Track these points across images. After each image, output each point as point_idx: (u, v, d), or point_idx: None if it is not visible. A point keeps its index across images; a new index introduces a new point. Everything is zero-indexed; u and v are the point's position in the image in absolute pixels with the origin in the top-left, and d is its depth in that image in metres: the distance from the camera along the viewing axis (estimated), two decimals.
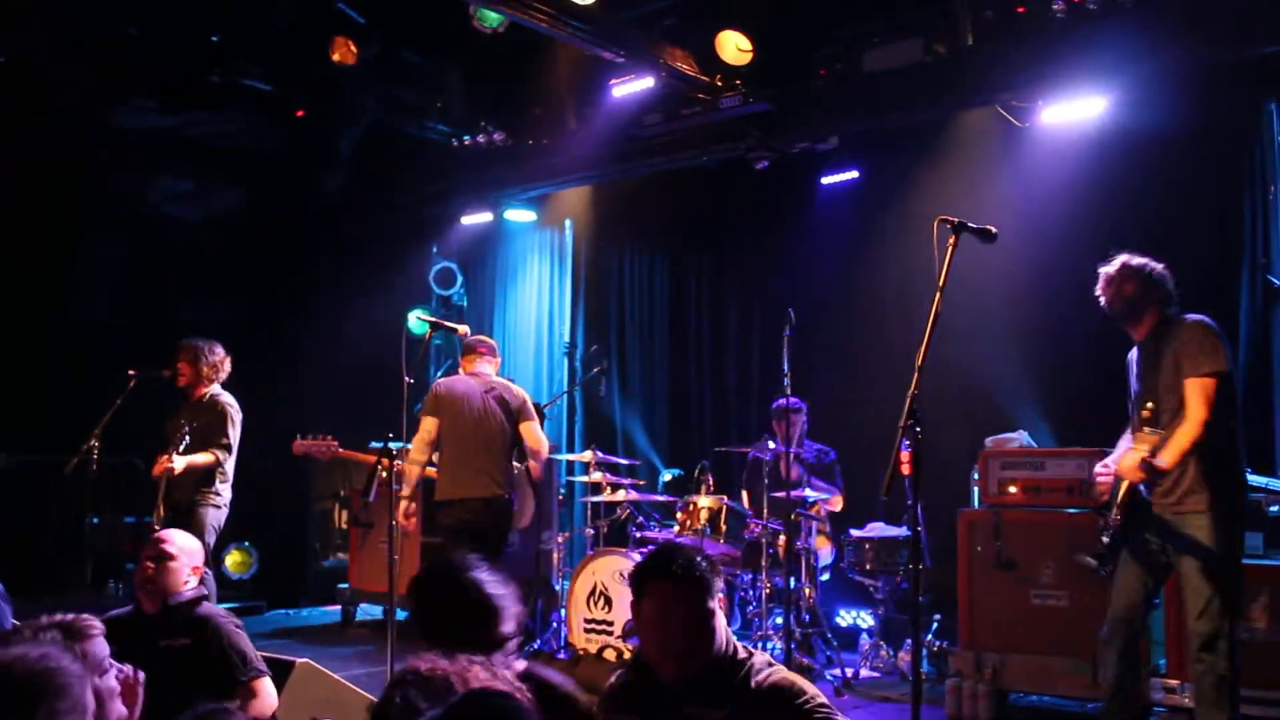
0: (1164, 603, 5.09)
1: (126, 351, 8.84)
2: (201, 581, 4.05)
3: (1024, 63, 6.43)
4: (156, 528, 6.37)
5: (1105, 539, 4.46)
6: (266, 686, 3.85)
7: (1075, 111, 6.52)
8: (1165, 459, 4.17)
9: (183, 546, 3.97)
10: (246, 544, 9.24)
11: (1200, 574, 4.20)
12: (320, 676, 4.13)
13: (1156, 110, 6.50)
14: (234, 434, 6.69)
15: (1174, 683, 5.21)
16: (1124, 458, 4.35)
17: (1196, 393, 4.22)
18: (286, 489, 9.74)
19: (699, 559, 2.75)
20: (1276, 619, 5.13)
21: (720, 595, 2.75)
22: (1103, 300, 4.56)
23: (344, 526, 10.17)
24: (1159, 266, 4.51)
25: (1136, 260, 4.51)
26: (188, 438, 6.38)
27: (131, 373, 6.67)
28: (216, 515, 6.58)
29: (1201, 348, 4.27)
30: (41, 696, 1.79)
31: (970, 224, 3.90)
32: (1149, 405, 4.34)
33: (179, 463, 6.30)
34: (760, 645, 6.50)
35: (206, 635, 3.81)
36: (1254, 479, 5.64)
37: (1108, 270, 4.54)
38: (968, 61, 6.52)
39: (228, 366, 6.90)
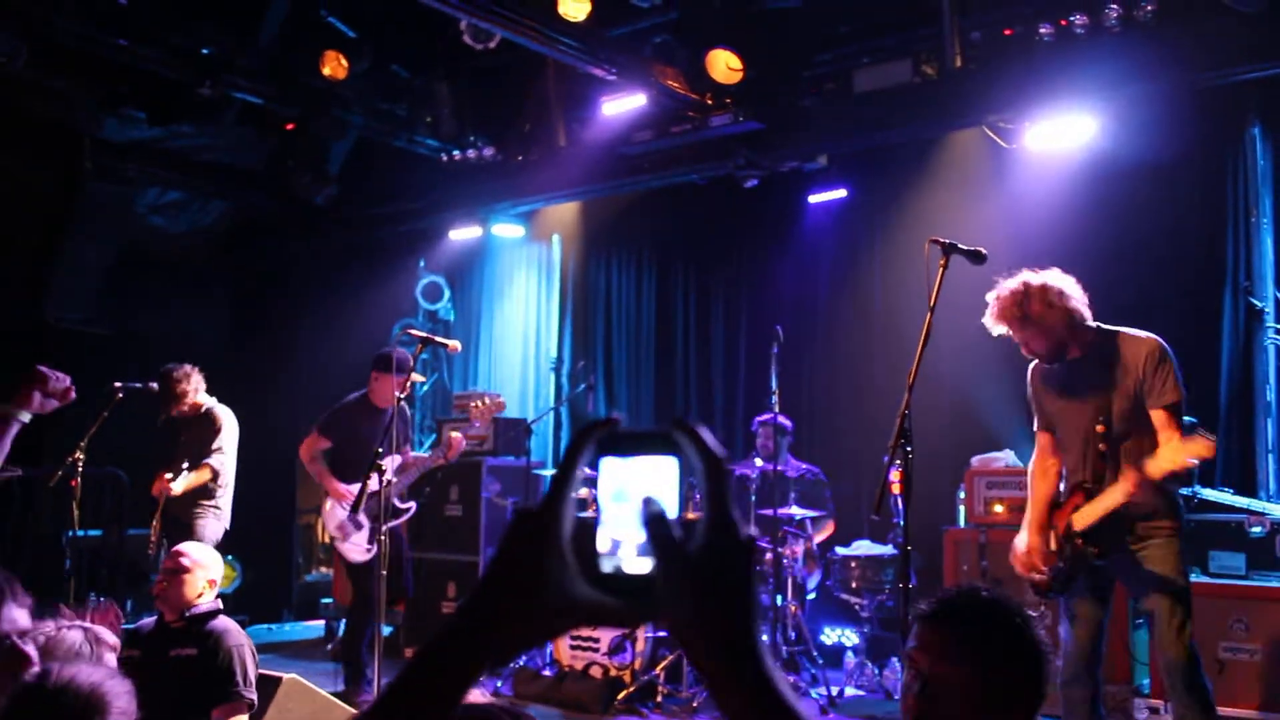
0: (1147, 622, 5.11)
1: (111, 362, 8.82)
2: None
3: (1011, 84, 6.49)
4: (152, 541, 6.40)
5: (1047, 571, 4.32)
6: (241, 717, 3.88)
7: (1062, 133, 6.58)
8: (1155, 466, 3.95)
9: (198, 559, 4.09)
10: (229, 557, 9.17)
11: (1172, 597, 4.09)
12: (307, 692, 4.12)
13: (1142, 133, 6.57)
14: (227, 442, 6.73)
15: (1157, 703, 5.25)
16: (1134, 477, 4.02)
17: (1175, 421, 4.07)
18: (270, 502, 9.69)
19: (999, 609, 2.05)
20: (1257, 639, 5.17)
21: (1013, 673, 2.01)
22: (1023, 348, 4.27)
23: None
24: (1047, 286, 4.16)
25: (1028, 304, 4.13)
26: (186, 461, 6.46)
27: (117, 386, 6.66)
28: (215, 527, 6.62)
29: (1170, 372, 4.11)
30: (96, 712, 1.97)
31: (960, 245, 3.93)
32: (1100, 428, 4.17)
33: (178, 485, 6.38)
34: None
35: (211, 647, 3.89)
36: (1236, 500, 5.71)
37: (1014, 332, 4.21)
38: (955, 83, 6.58)
39: (197, 374, 6.94)
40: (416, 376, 6.54)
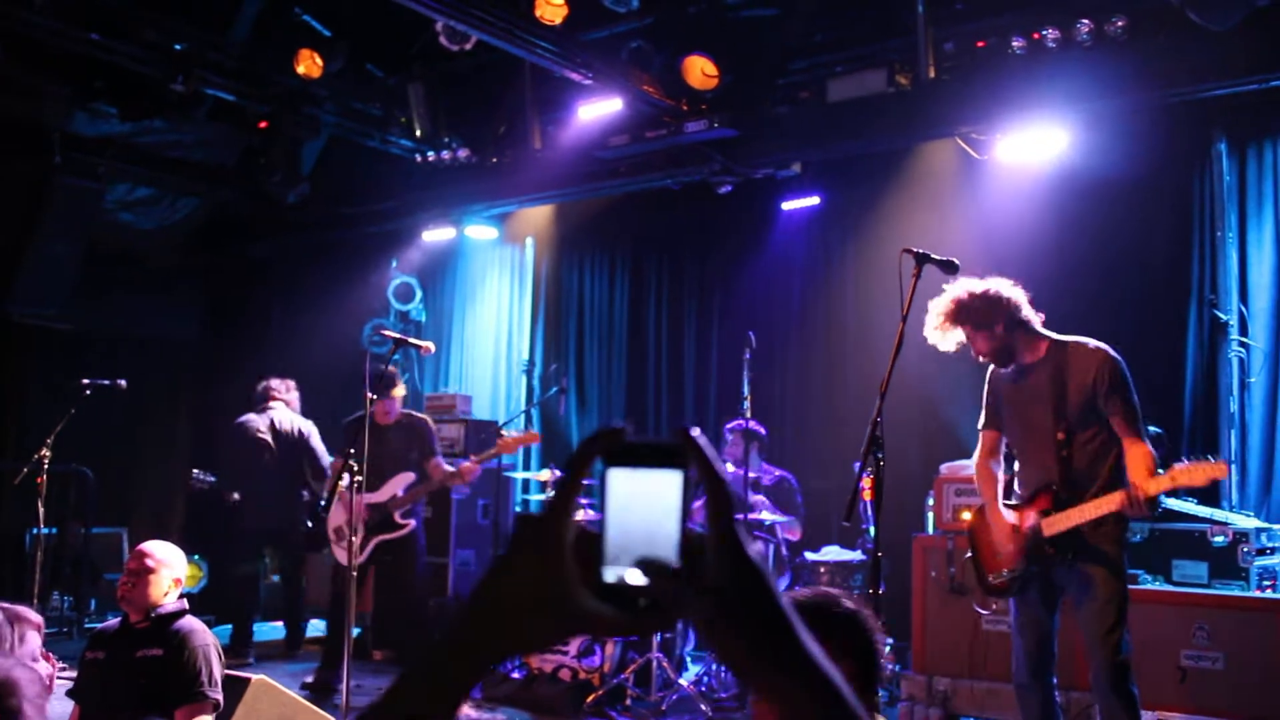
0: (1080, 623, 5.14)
1: (78, 359, 8.73)
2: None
3: (983, 96, 6.55)
4: None
5: (1006, 574, 4.42)
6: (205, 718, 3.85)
7: (1032, 146, 6.65)
8: (1154, 484, 4.07)
9: (163, 558, 3.98)
10: (196, 557, 9.12)
11: (1105, 600, 4.18)
12: (275, 693, 4.09)
13: (1111, 147, 6.66)
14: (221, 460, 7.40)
15: None
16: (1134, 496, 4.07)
17: (1131, 426, 4.22)
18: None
19: (841, 609, 2.26)
20: (1220, 647, 5.24)
21: (843, 661, 2.20)
22: (974, 350, 4.41)
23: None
24: (987, 293, 4.31)
25: (967, 308, 4.30)
26: None
27: (85, 383, 6.60)
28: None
29: (1122, 379, 4.25)
30: (8, 694, 2.01)
31: (933, 255, 3.97)
32: (1060, 435, 4.29)
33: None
34: (715, 666, 6.52)
35: (177, 647, 3.84)
36: (1199, 509, 5.79)
37: (961, 342, 4.38)
38: (929, 93, 6.63)
39: (269, 390, 8.02)
40: (398, 390, 6.88)
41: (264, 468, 7.81)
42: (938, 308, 4.32)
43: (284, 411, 8.03)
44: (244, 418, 7.96)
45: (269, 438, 7.86)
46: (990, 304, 4.27)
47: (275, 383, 8.11)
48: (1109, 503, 4.12)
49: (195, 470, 7.80)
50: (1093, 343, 4.36)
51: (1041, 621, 4.38)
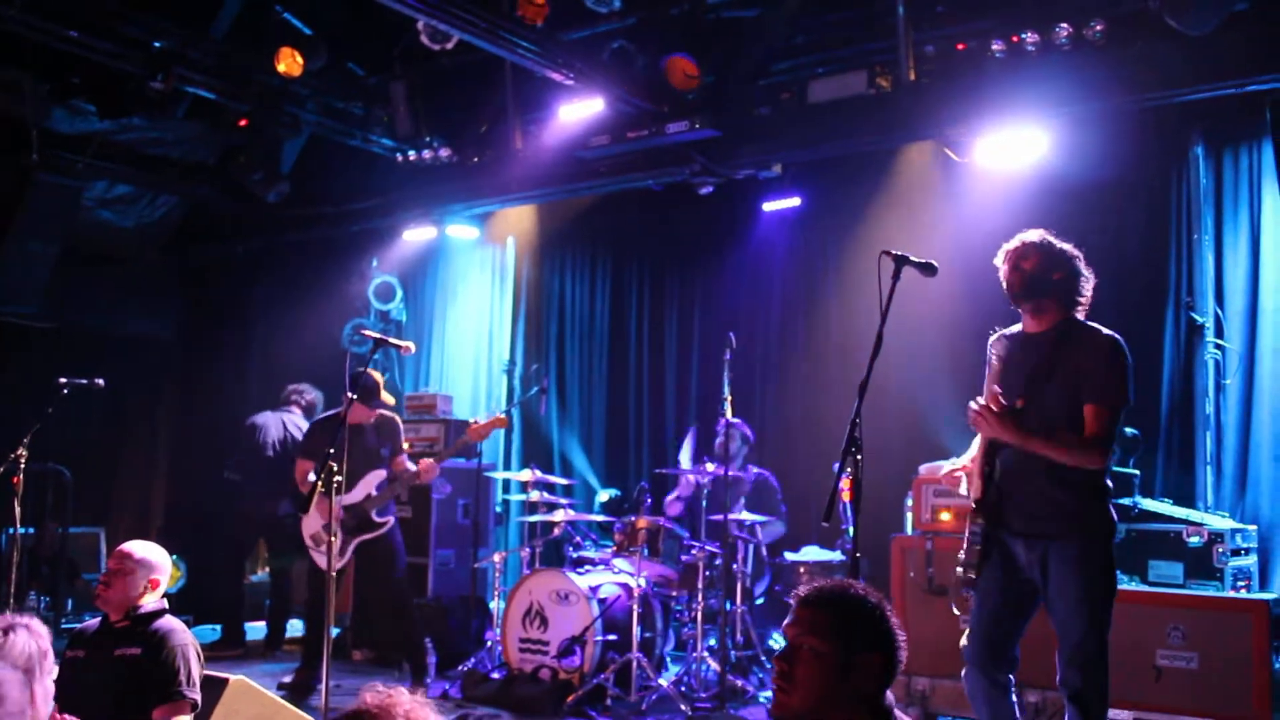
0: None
1: (56, 357, 8.68)
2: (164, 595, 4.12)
3: (963, 99, 6.58)
4: None
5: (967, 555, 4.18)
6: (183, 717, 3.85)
7: (1012, 148, 6.69)
8: (1028, 432, 3.94)
9: (143, 559, 4.02)
10: (175, 557, 9.08)
11: (1080, 596, 3.94)
12: (255, 694, 4.09)
13: (1089, 150, 6.70)
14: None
15: None
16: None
17: (1102, 421, 3.97)
18: (215, 501, 9.58)
19: (865, 601, 2.44)
20: (1195, 647, 5.29)
21: (869, 653, 2.40)
22: (1002, 275, 4.29)
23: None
24: (1071, 250, 4.27)
25: (1048, 239, 4.27)
26: None
27: (62, 381, 6.55)
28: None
29: (1122, 372, 4.02)
30: None
31: (912, 257, 3.97)
32: (1020, 402, 4.05)
33: None
34: (695, 666, 6.54)
35: (155, 646, 3.86)
36: (1174, 510, 5.84)
37: (1014, 244, 4.31)
38: (909, 95, 6.66)
39: (290, 394, 8.67)
40: (387, 398, 6.98)
41: (266, 464, 8.28)
42: (1039, 234, 4.29)
43: (298, 416, 8.55)
44: (257, 416, 8.53)
45: (275, 437, 8.40)
46: (1073, 260, 4.26)
47: (304, 387, 8.73)
48: (1026, 440, 3.98)
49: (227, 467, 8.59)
50: (1105, 329, 4.16)
51: (991, 596, 4.10)
